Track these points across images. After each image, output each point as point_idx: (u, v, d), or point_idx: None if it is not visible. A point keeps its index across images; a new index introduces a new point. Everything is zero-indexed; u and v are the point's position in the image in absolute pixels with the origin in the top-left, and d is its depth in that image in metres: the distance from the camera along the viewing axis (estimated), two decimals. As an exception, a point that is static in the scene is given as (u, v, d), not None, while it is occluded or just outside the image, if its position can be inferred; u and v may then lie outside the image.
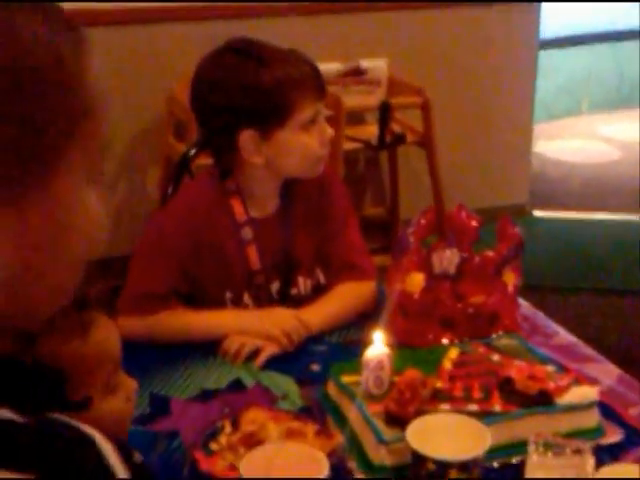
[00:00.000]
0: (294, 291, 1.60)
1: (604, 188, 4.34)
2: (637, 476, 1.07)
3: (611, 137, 5.07)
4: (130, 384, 1.01)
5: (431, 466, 1.06)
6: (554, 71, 5.18)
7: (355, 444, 1.19)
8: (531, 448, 1.12)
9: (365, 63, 3.34)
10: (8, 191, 0.59)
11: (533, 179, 4.08)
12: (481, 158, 3.80)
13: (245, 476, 1.00)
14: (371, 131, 3.29)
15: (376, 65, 3.36)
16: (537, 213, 3.98)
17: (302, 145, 1.49)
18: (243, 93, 1.44)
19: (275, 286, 1.59)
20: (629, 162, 4.68)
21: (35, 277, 0.62)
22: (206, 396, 1.34)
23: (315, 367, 1.41)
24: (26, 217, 0.60)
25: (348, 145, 3.22)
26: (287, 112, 1.45)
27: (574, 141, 5.05)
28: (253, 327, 1.48)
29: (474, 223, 1.51)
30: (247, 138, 1.47)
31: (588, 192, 4.29)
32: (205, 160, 1.75)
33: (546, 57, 4.81)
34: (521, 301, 1.60)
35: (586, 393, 1.25)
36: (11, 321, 0.64)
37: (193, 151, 1.82)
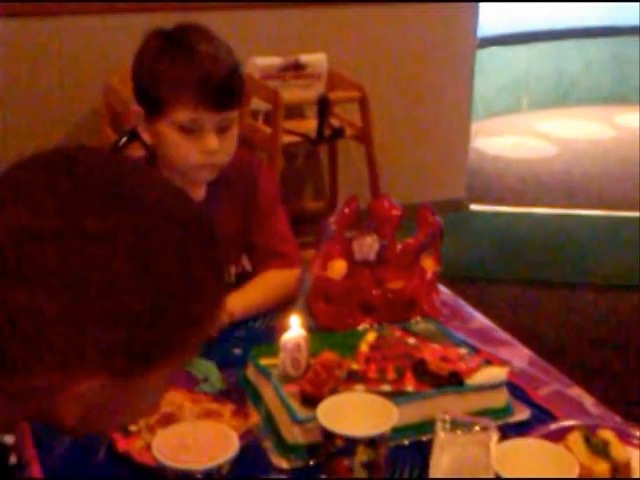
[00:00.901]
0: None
1: (539, 184, 4.43)
2: (536, 449, 1.12)
3: (548, 134, 5.18)
4: None
5: (340, 442, 1.09)
6: (496, 69, 5.27)
7: (271, 424, 1.22)
8: (438, 426, 1.16)
9: (304, 58, 3.37)
10: (117, 370, 0.66)
11: (471, 174, 4.15)
12: (419, 153, 3.86)
13: (157, 453, 1.03)
14: (310, 125, 3.33)
15: (315, 60, 3.38)
16: (474, 207, 4.06)
17: (175, 144, 1.48)
18: (138, 72, 1.51)
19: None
20: (564, 159, 4.79)
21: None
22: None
23: (237, 351, 1.43)
24: (115, 391, 0.68)
25: (287, 138, 3.25)
26: (160, 106, 1.47)
27: (512, 137, 5.14)
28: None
29: (395, 212, 1.55)
30: (135, 111, 1.53)
31: (524, 187, 4.38)
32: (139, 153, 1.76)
33: (488, 55, 4.90)
34: (441, 288, 1.64)
35: (495, 374, 1.30)
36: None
37: (124, 140, 1.84)
